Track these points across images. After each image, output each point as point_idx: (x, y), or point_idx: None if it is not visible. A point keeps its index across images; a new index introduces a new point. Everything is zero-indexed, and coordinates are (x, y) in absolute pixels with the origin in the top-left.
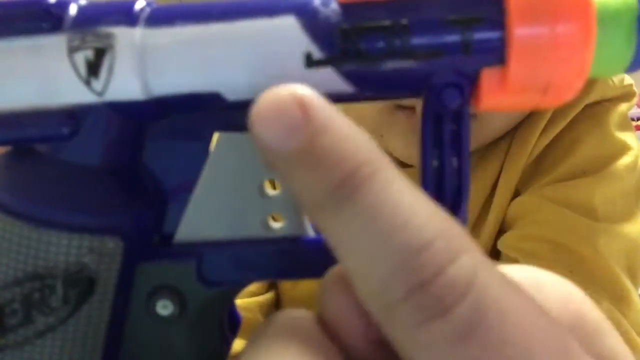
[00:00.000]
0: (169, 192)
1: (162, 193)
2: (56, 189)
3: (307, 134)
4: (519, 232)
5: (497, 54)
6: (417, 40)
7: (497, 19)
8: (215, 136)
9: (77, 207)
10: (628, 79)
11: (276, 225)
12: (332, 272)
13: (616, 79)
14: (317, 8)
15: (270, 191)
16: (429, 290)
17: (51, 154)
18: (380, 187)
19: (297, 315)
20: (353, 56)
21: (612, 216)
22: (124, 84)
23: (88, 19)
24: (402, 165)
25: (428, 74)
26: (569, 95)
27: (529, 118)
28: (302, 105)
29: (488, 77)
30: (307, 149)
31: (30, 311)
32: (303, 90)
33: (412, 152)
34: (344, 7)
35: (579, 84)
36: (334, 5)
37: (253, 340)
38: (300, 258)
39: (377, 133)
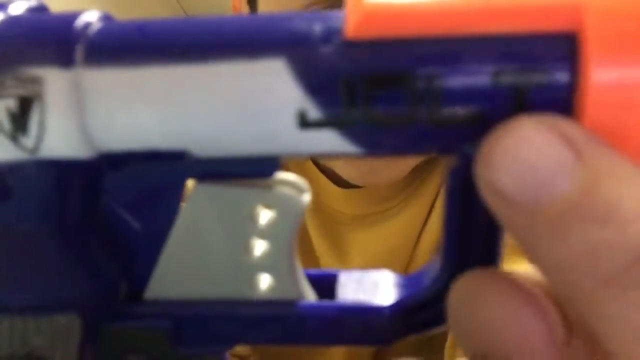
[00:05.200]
0: (137, 243)
1: (129, 243)
2: None
3: (586, 173)
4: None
5: (564, 108)
6: (451, 98)
7: (564, 68)
8: (190, 184)
9: (14, 284)
10: None
11: (265, 284)
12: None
13: None
14: (315, 47)
15: (258, 247)
16: None
17: None
18: None
19: None
20: (362, 116)
21: None
22: (62, 141)
23: (7, 56)
24: (347, 186)
25: (461, 139)
26: None
27: None
28: (569, 141)
29: None
30: (589, 196)
31: None
32: (565, 124)
33: (358, 172)
34: (352, 47)
35: None
36: (339, 43)
37: None
38: (293, 323)
39: None
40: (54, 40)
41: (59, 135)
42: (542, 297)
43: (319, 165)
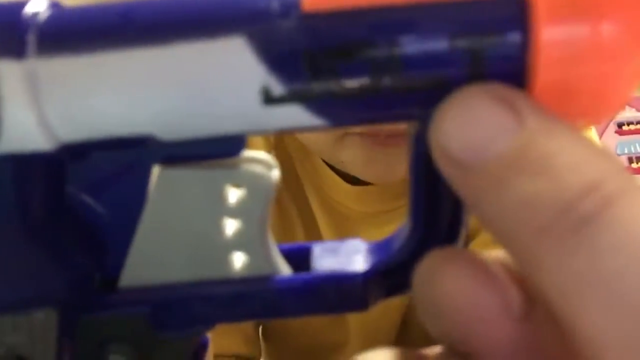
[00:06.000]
0: (106, 231)
1: (99, 233)
2: None
3: (525, 134)
4: (484, 238)
5: (515, 73)
6: (411, 65)
7: (516, 29)
8: (156, 168)
9: None
10: None
11: (239, 262)
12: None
13: None
14: (274, 23)
15: (230, 226)
16: None
17: None
18: (633, 213)
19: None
20: (326, 88)
21: None
22: (21, 134)
23: None
24: (358, 182)
25: (425, 103)
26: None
27: None
28: (511, 105)
29: None
30: (526, 152)
31: None
32: (508, 91)
33: (373, 170)
34: (311, 19)
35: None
36: (297, 18)
37: None
38: (270, 298)
39: (329, 152)
40: (3, 31)
41: (17, 129)
42: (500, 273)
43: (329, 164)
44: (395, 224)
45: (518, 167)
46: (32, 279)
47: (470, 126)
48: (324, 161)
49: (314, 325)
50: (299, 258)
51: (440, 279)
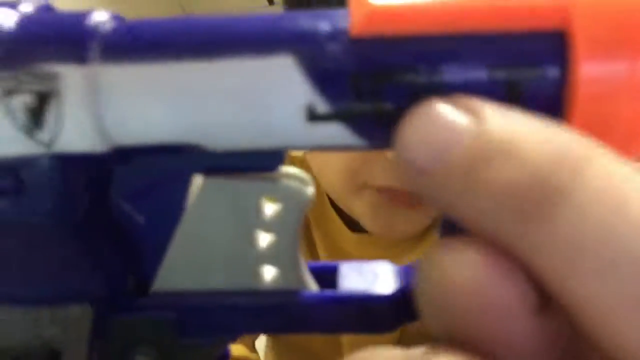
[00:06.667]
0: (144, 237)
1: (136, 238)
2: (3, 256)
3: (484, 127)
4: None
5: (552, 106)
6: (451, 90)
7: (555, 62)
8: (196, 178)
9: (29, 276)
10: None
11: (269, 275)
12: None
13: None
14: (322, 44)
15: (263, 239)
16: None
17: None
18: (607, 169)
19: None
20: (369, 109)
21: None
22: (77, 135)
23: (24, 53)
24: (360, 228)
25: None
26: None
27: None
28: (469, 108)
29: None
30: (488, 144)
31: None
32: (466, 98)
33: (380, 225)
34: (358, 43)
35: None
36: (346, 40)
37: None
38: (296, 313)
39: (345, 199)
40: (69, 38)
41: (75, 130)
42: (514, 262)
43: (336, 208)
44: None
45: (484, 159)
46: (72, 275)
47: (430, 134)
48: (331, 203)
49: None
50: (326, 276)
51: (456, 266)
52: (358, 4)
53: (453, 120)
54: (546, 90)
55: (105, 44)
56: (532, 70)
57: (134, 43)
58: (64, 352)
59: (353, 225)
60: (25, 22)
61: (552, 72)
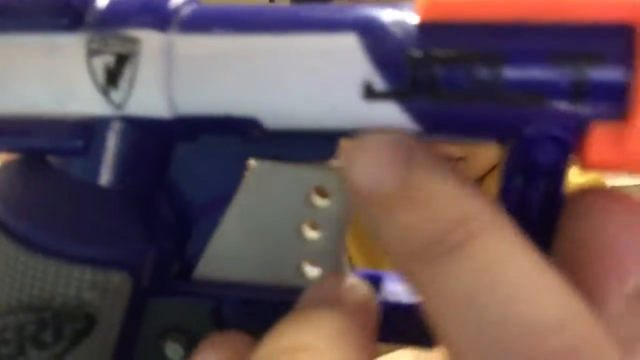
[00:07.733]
0: (193, 221)
1: (185, 221)
2: (60, 210)
3: (410, 177)
4: None
5: (617, 103)
6: (512, 79)
7: (623, 57)
8: (251, 163)
9: (80, 234)
10: None
11: (312, 273)
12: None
13: None
14: (386, 26)
15: (309, 234)
16: None
17: (61, 168)
18: (496, 244)
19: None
20: (425, 92)
21: None
22: (147, 98)
23: (112, 18)
24: None
25: (521, 121)
26: None
27: None
28: (405, 152)
29: (601, 131)
30: (408, 189)
31: (23, 344)
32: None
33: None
34: (421, 27)
35: None
36: (409, 24)
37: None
38: None
39: None
40: (153, 7)
41: (144, 93)
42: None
43: None
44: None
45: (402, 202)
46: (119, 241)
47: (371, 166)
48: None
49: None
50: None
51: (607, 216)
52: None
53: (387, 160)
54: (611, 88)
55: (184, 16)
56: (597, 63)
57: (210, 16)
58: (98, 319)
59: None
60: None
61: (619, 67)
